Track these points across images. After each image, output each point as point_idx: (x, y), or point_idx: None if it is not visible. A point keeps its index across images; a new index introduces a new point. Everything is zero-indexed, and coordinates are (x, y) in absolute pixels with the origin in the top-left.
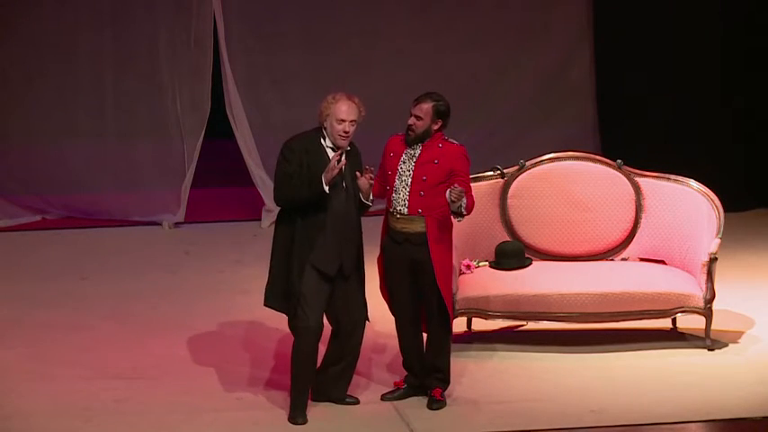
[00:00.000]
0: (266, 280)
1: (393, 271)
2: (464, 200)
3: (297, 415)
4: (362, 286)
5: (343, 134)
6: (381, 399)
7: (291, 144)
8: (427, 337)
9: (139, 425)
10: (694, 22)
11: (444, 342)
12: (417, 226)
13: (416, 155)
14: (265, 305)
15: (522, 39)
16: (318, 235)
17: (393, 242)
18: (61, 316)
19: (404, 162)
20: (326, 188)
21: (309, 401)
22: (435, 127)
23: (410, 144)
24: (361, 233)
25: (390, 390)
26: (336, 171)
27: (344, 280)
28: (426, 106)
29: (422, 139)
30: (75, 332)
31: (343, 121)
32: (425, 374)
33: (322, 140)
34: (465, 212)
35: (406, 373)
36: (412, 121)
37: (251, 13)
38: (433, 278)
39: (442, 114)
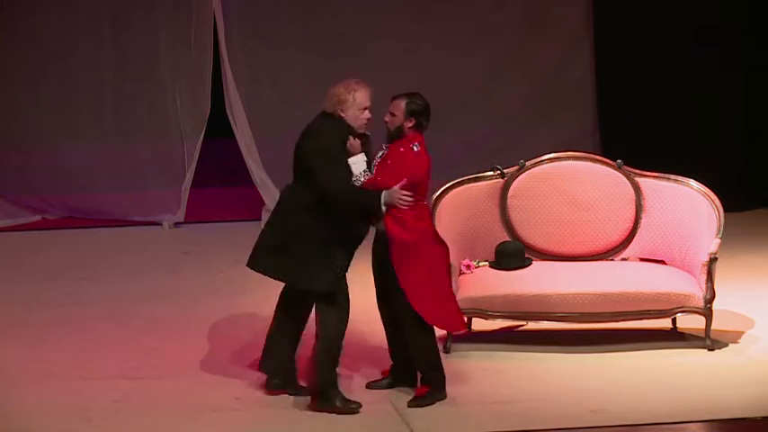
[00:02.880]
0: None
1: (373, 268)
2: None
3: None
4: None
5: (367, 121)
6: (366, 386)
7: (332, 148)
8: (408, 337)
9: (139, 425)
10: (694, 22)
11: (420, 342)
12: (380, 224)
13: (385, 153)
14: (313, 288)
15: (522, 38)
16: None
17: (374, 239)
18: (61, 316)
19: (378, 158)
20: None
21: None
22: (408, 125)
23: (389, 141)
24: None
25: (377, 378)
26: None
27: None
28: (400, 103)
29: (396, 136)
30: (75, 332)
31: (367, 108)
32: (409, 370)
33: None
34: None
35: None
36: (387, 117)
37: (251, 13)
38: (396, 279)
39: (414, 113)
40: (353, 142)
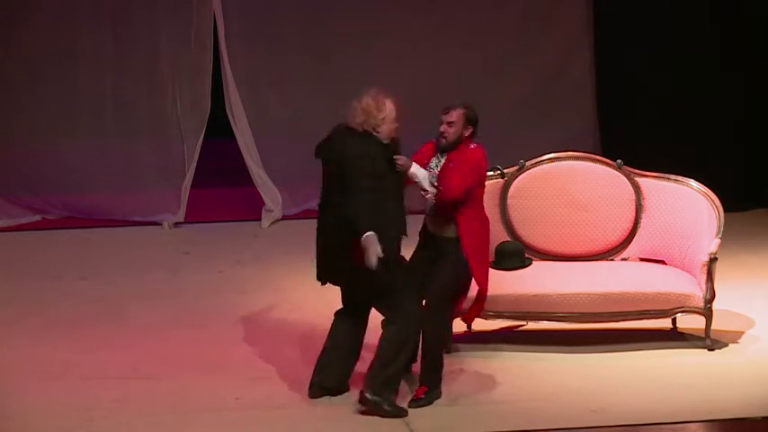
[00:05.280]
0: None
1: (415, 262)
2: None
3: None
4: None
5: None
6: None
7: (379, 179)
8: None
9: (139, 425)
10: (694, 22)
11: (435, 338)
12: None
13: (441, 162)
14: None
15: (522, 38)
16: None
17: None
18: (61, 316)
19: (434, 168)
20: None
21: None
22: (466, 134)
23: (442, 151)
24: None
25: None
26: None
27: None
28: (458, 112)
29: (453, 146)
30: (75, 332)
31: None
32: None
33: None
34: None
35: None
36: (444, 128)
37: (251, 13)
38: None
39: (471, 121)
40: (402, 162)
